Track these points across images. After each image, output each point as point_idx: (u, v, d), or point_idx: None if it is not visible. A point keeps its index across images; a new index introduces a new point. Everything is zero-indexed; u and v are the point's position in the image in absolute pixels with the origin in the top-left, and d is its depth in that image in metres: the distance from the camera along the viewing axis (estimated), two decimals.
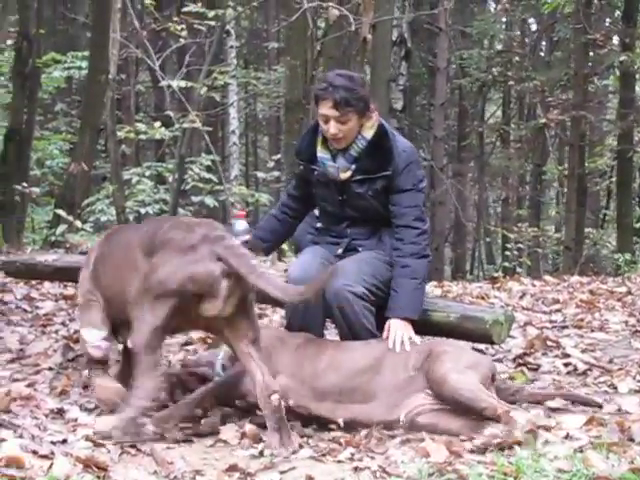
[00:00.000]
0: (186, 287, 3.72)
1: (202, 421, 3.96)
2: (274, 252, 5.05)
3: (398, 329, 4.20)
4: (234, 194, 14.82)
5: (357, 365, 4.04)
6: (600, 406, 4.19)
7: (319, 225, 4.69)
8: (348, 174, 4.44)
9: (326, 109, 4.36)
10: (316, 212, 4.80)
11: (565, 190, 18.23)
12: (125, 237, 4.30)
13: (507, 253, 18.43)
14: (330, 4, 9.99)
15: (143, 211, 13.65)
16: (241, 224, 4.62)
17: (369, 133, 4.46)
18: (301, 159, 4.66)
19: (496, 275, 17.37)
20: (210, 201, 13.84)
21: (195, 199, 13.94)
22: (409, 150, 4.54)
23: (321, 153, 4.52)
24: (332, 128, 4.37)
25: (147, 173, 14.51)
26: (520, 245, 18.54)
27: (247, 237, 4.58)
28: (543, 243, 20.16)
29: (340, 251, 4.49)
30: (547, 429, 3.63)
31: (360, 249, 4.47)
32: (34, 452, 3.38)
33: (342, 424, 3.90)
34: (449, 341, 4.42)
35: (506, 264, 18.66)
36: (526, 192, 23.38)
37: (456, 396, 3.76)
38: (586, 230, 18.63)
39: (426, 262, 4.42)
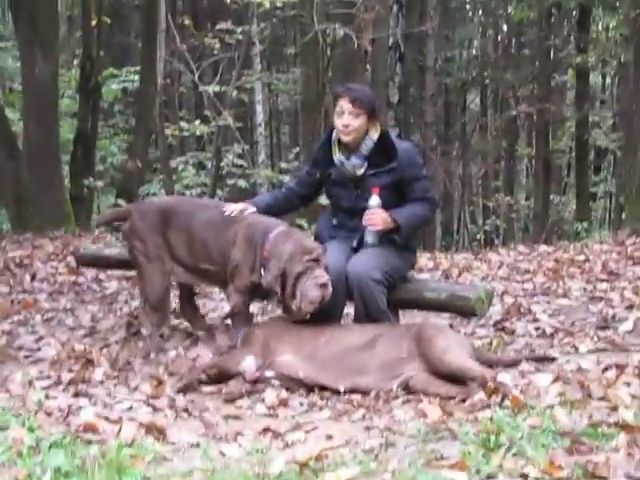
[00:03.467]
0: None
1: (224, 390, 3.98)
2: None
3: (382, 214, 4.39)
4: (262, 176, 14.85)
5: (354, 341, 4.03)
6: (554, 359, 4.16)
7: (335, 222, 4.69)
8: (362, 170, 4.48)
9: (344, 102, 4.42)
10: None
11: (533, 169, 18.18)
12: None
13: (487, 221, 18.43)
14: (336, 25, 9.92)
15: (187, 193, 13.72)
16: (374, 199, 4.44)
17: (375, 135, 4.50)
18: (318, 167, 4.66)
19: (478, 237, 17.36)
20: (242, 183, 13.89)
21: (230, 182, 13.99)
22: (410, 147, 4.65)
23: (338, 156, 4.54)
24: (345, 119, 4.42)
25: (190, 161, 14.55)
26: (497, 211, 18.57)
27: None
28: (516, 209, 20.12)
29: (355, 244, 4.50)
30: (522, 391, 3.59)
31: None
32: (106, 418, 3.39)
33: (342, 391, 3.88)
34: (433, 324, 4.37)
35: (486, 228, 18.65)
36: (501, 167, 23.32)
37: (452, 371, 3.74)
38: (551, 197, 18.55)
39: (427, 218, 4.65)
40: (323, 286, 4.10)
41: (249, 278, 4.38)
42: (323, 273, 4.14)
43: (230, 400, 3.89)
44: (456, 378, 3.73)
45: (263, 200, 4.81)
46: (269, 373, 4.07)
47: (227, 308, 4.92)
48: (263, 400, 3.84)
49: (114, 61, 17.00)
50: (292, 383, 4.02)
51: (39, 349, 4.77)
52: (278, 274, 4.18)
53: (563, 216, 20.25)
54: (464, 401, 3.56)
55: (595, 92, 22.04)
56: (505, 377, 3.68)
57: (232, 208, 4.58)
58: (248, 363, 4.08)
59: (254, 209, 4.63)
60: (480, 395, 3.51)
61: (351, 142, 4.48)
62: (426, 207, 4.52)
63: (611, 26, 19.43)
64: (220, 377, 4.10)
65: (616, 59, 15.97)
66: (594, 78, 21.81)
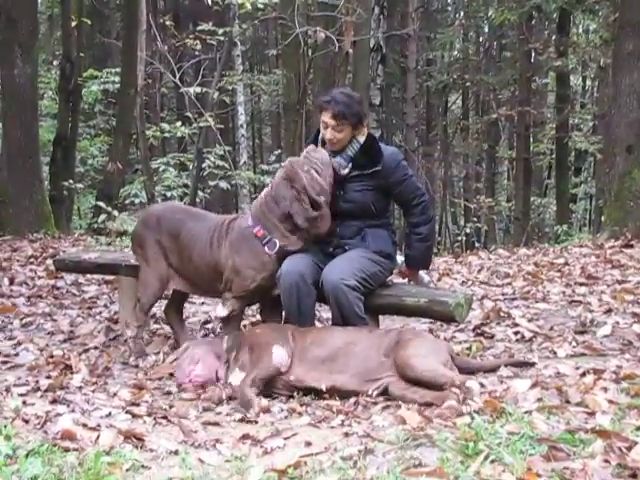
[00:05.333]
0: None
1: (202, 396, 3.95)
2: None
3: (409, 276, 4.72)
4: (243, 178, 14.85)
5: (336, 342, 4.03)
6: (534, 364, 4.17)
7: None
8: (347, 170, 4.50)
9: (327, 118, 4.44)
10: None
11: (514, 171, 18.27)
12: None
13: (467, 224, 18.47)
14: (318, 28, 9.92)
15: (169, 194, 13.70)
16: (399, 259, 4.73)
17: (362, 138, 4.54)
18: None
19: (459, 239, 17.38)
20: (224, 185, 13.90)
21: (211, 183, 13.99)
22: (395, 152, 4.64)
23: None
24: (329, 134, 4.46)
25: (172, 162, 14.52)
26: (478, 212, 18.64)
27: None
28: (497, 211, 20.23)
29: (331, 249, 4.50)
30: (500, 396, 3.59)
31: (347, 247, 4.48)
32: (84, 425, 3.36)
33: (324, 390, 3.88)
34: (413, 330, 4.38)
35: (467, 230, 18.71)
36: (483, 169, 23.43)
37: (419, 377, 3.75)
38: (532, 199, 18.63)
39: (433, 224, 4.74)
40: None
41: (254, 279, 4.37)
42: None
43: (208, 407, 3.88)
44: (425, 384, 3.74)
45: None
46: None
47: (212, 312, 4.91)
48: None
49: (95, 62, 16.93)
50: (275, 386, 4.01)
51: (17, 355, 4.74)
52: (304, 203, 4.30)
53: (544, 218, 20.37)
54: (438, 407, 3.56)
55: (575, 95, 22.18)
56: (472, 383, 3.68)
57: None
58: (278, 354, 4.00)
59: None
60: (451, 402, 3.52)
61: (337, 150, 4.51)
62: (425, 222, 4.56)
63: (591, 29, 19.58)
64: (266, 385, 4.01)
65: (596, 62, 16.07)
66: (574, 81, 21.97)
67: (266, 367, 3.97)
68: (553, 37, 17.57)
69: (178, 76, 13.85)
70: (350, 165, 4.50)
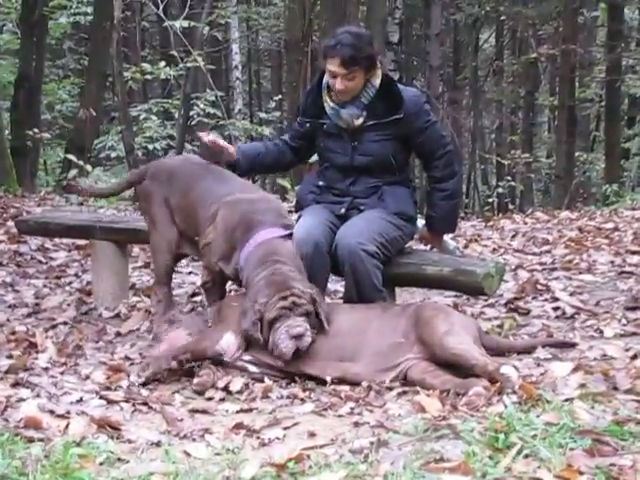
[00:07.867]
0: None
1: (194, 380, 3.96)
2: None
3: (432, 242, 4.76)
4: (238, 128, 14.84)
5: (343, 323, 4.04)
6: (574, 345, 4.18)
7: (321, 183, 4.67)
8: (360, 120, 4.48)
9: (334, 66, 4.38)
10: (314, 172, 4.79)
11: (556, 122, 18.15)
12: None
13: (500, 183, 18.39)
14: None
15: (151, 147, 13.70)
16: (420, 222, 4.73)
17: (377, 81, 4.49)
18: (308, 116, 4.65)
19: (490, 201, 17.36)
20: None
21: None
22: (417, 94, 4.63)
23: (331, 104, 4.53)
24: (339, 84, 4.40)
25: (154, 109, 14.50)
26: (514, 170, 18.59)
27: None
28: (535, 169, 20.15)
29: (343, 211, 4.50)
30: (536, 381, 3.61)
31: (362, 207, 4.49)
32: (51, 412, 3.40)
33: (330, 381, 3.88)
34: (434, 304, 4.39)
35: (500, 190, 18.65)
36: (519, 119, 23.33)
37: (452, 357, 3.77)
38: (576, 154, 18.54)
39: (459, 178, 4.74)
40: (297, 337, 3.99)
41: (217, 263, 4.38)
42: (298, 322, 4.01)
43: (201, 392, 3.90)
44: (455, 365, 3.76)
45: (253, 148, 4.82)
46: (246, 357, 4.07)
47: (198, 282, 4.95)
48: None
49: None
50: (271, 371, 4.02)
51: None
52: (255, 319, 4.07)
53: (590, 177, 20.30)
54: (459, 395, 3.57)
55: (630, 31, 21.97)
56: (509, 370, 3.68)
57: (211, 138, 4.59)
58: (227, 341, 4.05)
59: (232, 150, 4.63)
60: (479, 390, 3.52)
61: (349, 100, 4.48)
62: (450, 177, 4.56)
63: None
64: (195, 361, 4.06)
65: None
66: (629, 14, 21.74)
67: (207, 346, 4.05)
68: None
69: (162, 7, 13.79)
70: (364, 114, 4.48)
